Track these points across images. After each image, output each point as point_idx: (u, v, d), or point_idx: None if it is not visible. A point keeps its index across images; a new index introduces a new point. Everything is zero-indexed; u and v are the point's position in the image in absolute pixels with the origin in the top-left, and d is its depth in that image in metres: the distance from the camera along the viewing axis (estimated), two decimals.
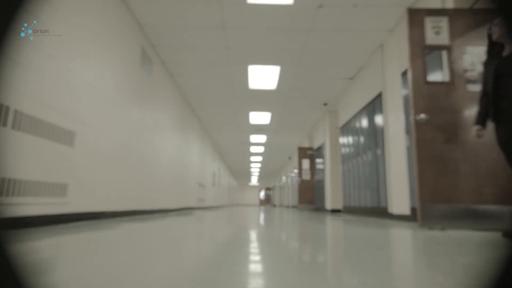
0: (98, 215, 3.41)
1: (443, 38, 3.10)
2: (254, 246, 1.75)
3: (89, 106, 3.20)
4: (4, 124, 2.06)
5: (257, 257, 1.41)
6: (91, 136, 3.23)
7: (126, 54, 4.12)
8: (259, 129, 10.34)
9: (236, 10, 4.19)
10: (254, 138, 11.95)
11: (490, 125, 2.94)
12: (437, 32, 3.11)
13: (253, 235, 2.31)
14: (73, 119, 2.89)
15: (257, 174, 25.32)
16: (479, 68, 3.01)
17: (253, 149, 14.24)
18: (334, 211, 7.99)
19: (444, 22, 3.11)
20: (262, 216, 5.46)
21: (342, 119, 7.30)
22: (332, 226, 3.52)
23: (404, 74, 4.30)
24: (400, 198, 4.39)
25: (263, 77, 6.39)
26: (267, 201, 34.38)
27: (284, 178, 19.58)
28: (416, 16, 3.16)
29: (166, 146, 6.17)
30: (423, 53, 3.11)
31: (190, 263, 1.28)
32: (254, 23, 4.49)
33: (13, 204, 2.16)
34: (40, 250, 1.52)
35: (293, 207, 15.03)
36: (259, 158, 17.28)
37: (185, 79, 6.62)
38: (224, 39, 4.93)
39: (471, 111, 2.97)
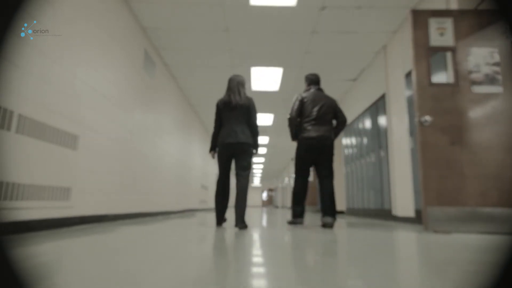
0: (101, 218, 3.40)
1: (448, 40, 3.08)
2: (256, 250, 1.74)
3: (92, 109, 3.20)
4: (8, 129, 2.06)
5: (260, 262, 1.39)
6: (94, 139, 3.23)
7: (129, 57, 4.12)
8: (261, 130, 10.33)
9: (239, 12, 4.19)
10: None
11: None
12: (441, 33, 3.08)
13: (256, 239, 2.30)
14: (76, 122, 2.89)
15: (259, 175, 25.30)
16: (485, 70, 2.98)
17: None
18: (337, 213, 7.96)
19: (448, 23, 3.09)
20: (264, 218, 5.45)
21: None
22: (336, 228, 3.50)
23: (407, 75, 4.27)
24: (404, 201, 4.36)
25: (266, 78, 6.38)
26: (270, 202, 34.32)
27: (286, 179, 19.55)
28: (420, 18, 3.14)
29: (169, 148, 6.18)
30: (427, 54, 3.09)
31: (192, 268, 1.27)
32: (257, 25, 4.49)
33: (17, 208, 2.16)
34: (43, 254, 1.52)
35: None
36: (262, 159, 17.25)
37: (188, 82, 6.62)
38: (227, 41, 4.93)
39: (476, 113, 2.95)
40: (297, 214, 3.44)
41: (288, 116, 3.51)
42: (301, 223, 3.40)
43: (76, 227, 2.82)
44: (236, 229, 2.94)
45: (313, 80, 3.63)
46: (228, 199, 3.26)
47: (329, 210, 3.31)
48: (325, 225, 3.30)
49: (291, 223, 3.52)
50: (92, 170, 3.21)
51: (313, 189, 10.82)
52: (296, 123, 3.51)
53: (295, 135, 3.55)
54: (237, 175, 3.15)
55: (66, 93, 2.74)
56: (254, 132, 3.25)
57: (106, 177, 3.53)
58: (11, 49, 2.04)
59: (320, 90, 3.62)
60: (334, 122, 3.61)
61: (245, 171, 3.14)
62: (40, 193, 2.39)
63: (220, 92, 7.32)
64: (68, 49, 2.75)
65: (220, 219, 3.22)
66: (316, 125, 3.41)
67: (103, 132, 3.43)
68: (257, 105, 8.25)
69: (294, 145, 13.02)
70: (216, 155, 3.34)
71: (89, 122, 3.14)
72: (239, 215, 3.01)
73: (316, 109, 3.44)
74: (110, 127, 3.60)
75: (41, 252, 1.58)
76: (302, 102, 3.50)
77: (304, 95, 3.54)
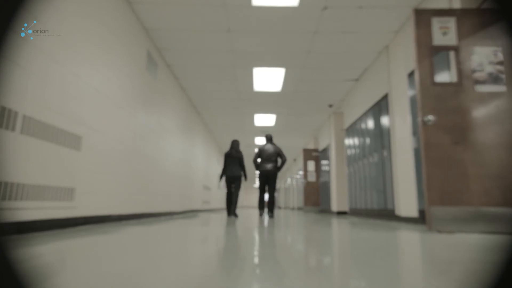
0: (105, 218, 3.42)
1: (451, 39, 3.07)
2: (259, 251, 1.74)
3: (96, 110, 3.21)
4: (13, 129, 2.07)
5: (262, 262, 1.39)
6: (97, 140, 3.25)
7: (132, 58, 4.14)
8: (264, 131, 10.33)
9: (241, 13, 4.20)
10: (259, 140, 11.93)
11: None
12: (444, 32, 3.08)
13: (259, 239, 2.30)
14: (80, 123, 2.91)
15: None
16: (488, 69, 2.97)
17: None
18: (340, 213, 7.94)
19: (451, 22, 3.08)
20: (266, 219, 5.45)
21: (348, 121, 7.27)
22: (338, 229, 3.50)
23: (410, 75, 4.26)
24: (407, 200, 4.35)
25: (268, 79, 6.38)
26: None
27: (289, 180, 19.53)
28: (422, 17, 3.13)
29: (172, 149, 6.19)
30: (430, 54, 3.08)
31: (195, 268, 1.27)
32: (259, 26, 4.49)
33: (21, 208, 2.17)
34: (46, 254, 1.53)
35: (299, 209, 14.97)
36: None
37: (190, 83, 6.64)
38: (229, 42, 4.93)
39: (480, 112, 2.94)
40: (261, 208, 6.21)
41: (253, 159, 6.19)
42: (261, 214, 6.17)
43: (80, 228, 2.83)
44: (232, 217, 5.87)
45: (268, 138, 6.27)
46: (232, 202, 6.09)
47: (271, 209, 6.03)
48: (269, 217, 5.82)
49: (260, 214, 6.20)
50: (96, 171, 3.22)
51: (316, 190, 10.80)
52: (257, 162, 6.18)
53: (257, 168, 6.15)
54: (234, 190, 6.13)
55: (69, 94, 2.75)
56: (243, 169, 6.22)
57: (110, 178, 3.55)
58: (13, 49, 2.06)
59: (272, 143, 6.18)
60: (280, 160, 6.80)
61: (237, 188, 6.13)
62: (44, 194, 2.40)
63: (222, 93, 7.34)
64: (70, 49, 2.77)
65: (229, 213, 6.09)
66: (267, 163, 6.04)
67: (106, 133, 3.44)
68: (259, 105, 8.27)
69: (295, 145, 13.12)
70: (223, 181, 7.10)
71: (92, 123, 3.15)
72: (233, 210, 5.99)
73: (267, 154, 6.07)
74: (113, 128, 3.62)
75: (44, 252, 1.59)
76: (260, 151, 6.13)
77: (261, 146, 6.16)
